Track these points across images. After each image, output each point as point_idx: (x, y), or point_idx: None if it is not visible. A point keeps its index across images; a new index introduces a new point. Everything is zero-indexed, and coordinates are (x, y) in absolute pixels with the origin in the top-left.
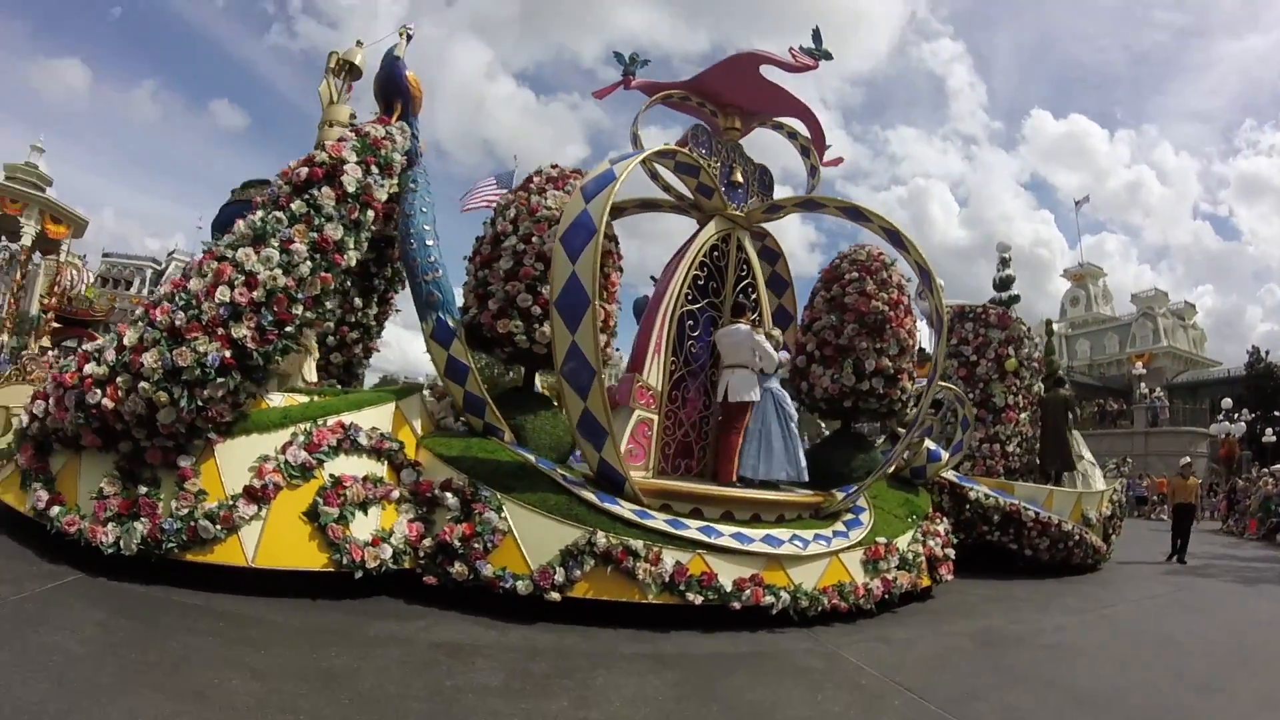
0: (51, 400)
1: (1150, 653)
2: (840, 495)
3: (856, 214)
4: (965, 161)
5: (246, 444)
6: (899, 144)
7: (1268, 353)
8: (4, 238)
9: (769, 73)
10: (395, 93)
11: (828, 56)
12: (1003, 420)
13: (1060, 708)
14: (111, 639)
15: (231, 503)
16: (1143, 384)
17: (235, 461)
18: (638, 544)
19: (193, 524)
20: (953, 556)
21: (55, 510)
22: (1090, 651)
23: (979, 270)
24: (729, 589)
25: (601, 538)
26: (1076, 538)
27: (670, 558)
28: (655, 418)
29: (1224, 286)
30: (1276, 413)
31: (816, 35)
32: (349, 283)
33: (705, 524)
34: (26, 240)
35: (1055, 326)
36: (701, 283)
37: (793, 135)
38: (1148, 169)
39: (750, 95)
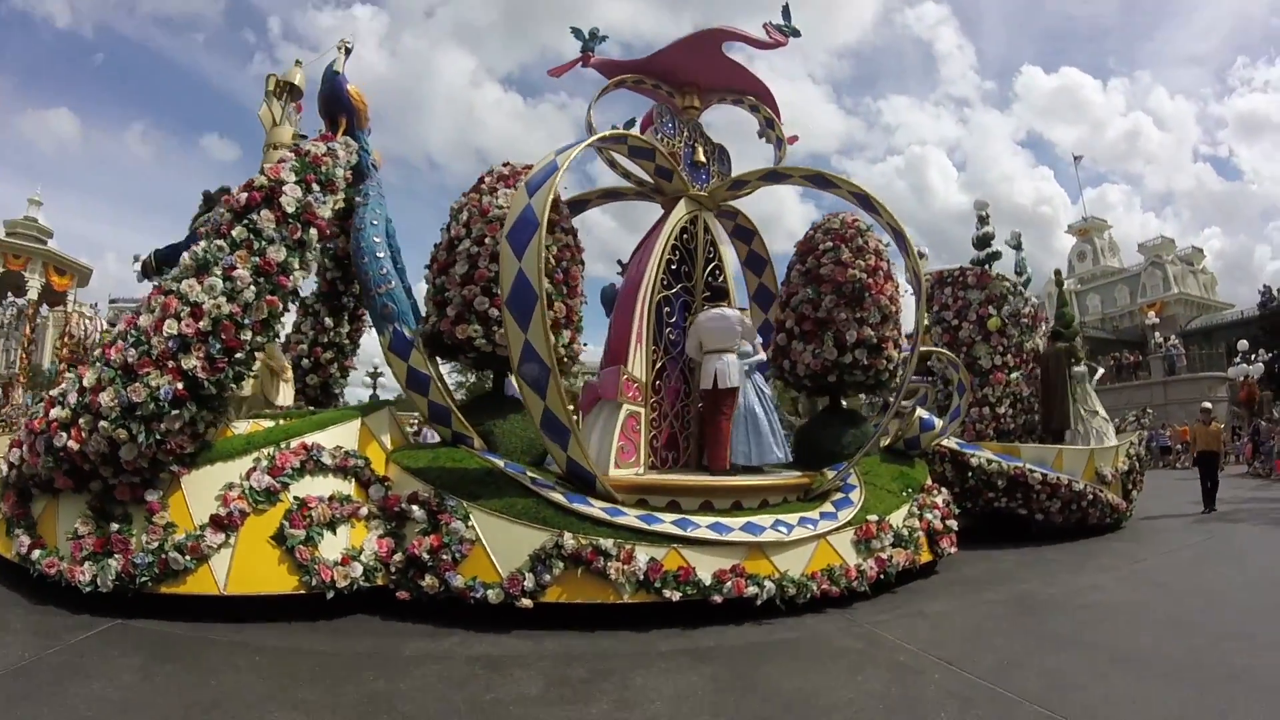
0: (25, 447)
1: (1187, 605)
2: (830, 474)
3: (822, 181)
4: (960, 125)
5: (211, 473)
6: (892, 114)
7: (1279, 290)
8: (9, 293)
9: (730, 49)
10: (339, 108)
11: (796, 34)
12: (991, 382)
13: (1101, 668)
14: (151, 684)
15: (199, 533)
16: (1157, 333)
17: (201, 491)
18: (608, 543)
19: (163, 556)
20: (955, 528)
21: (36, 554)
22: (1127, 609)
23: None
24: (709, 582)
25: (569, 539)
26: (1090, 497)
27: (644, 554)
28: (642, 410)
29: (1231, 228)
30: None
31: (785, 12)
32: (318, 304)
33: (680, 517)
34: (32, 294)
35: (1065, 283)
36: (674, 267)
37: (755, 109)
38: (1144, 115)
39: (709, 73)
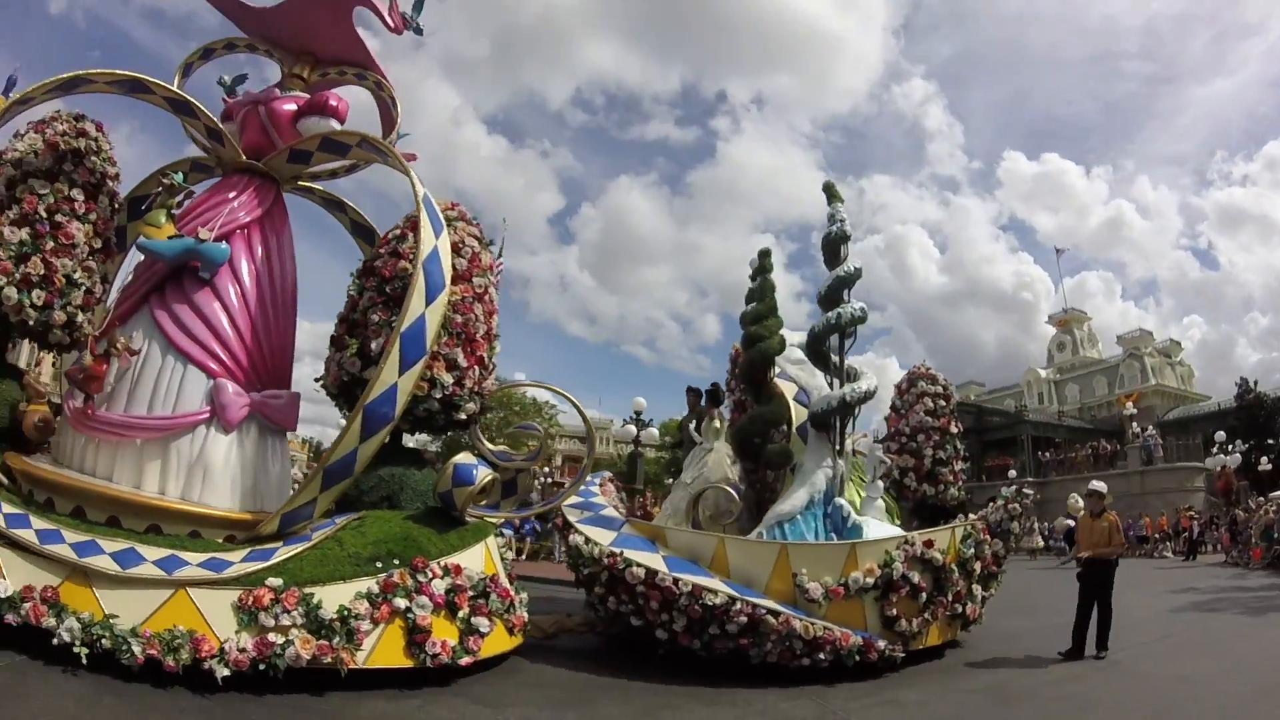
0: None
1: (1167, 697)
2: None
3: (138, 85)
4: (942, 207)
5: None
6: (874, 192)
7: (1256, 383)
8: None
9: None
10: None
11: (418, 31)
12: None
13: None
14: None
15: None
16: (1134, 423)
17: None
18: None
19: None
20: (483, 630)
21: None
22: (1107, 701)
23: (965, 317)
24: (7, 594)
25: None
26: (744, 620)
27: None
28: None
29: (1212, 317)
30: (1270, 441)
31: (419, 4)
32: None
33: (20, 512)
34: None
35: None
36: None
37: (380, 85)
38: (1127, 203)
39: (330, 42)
